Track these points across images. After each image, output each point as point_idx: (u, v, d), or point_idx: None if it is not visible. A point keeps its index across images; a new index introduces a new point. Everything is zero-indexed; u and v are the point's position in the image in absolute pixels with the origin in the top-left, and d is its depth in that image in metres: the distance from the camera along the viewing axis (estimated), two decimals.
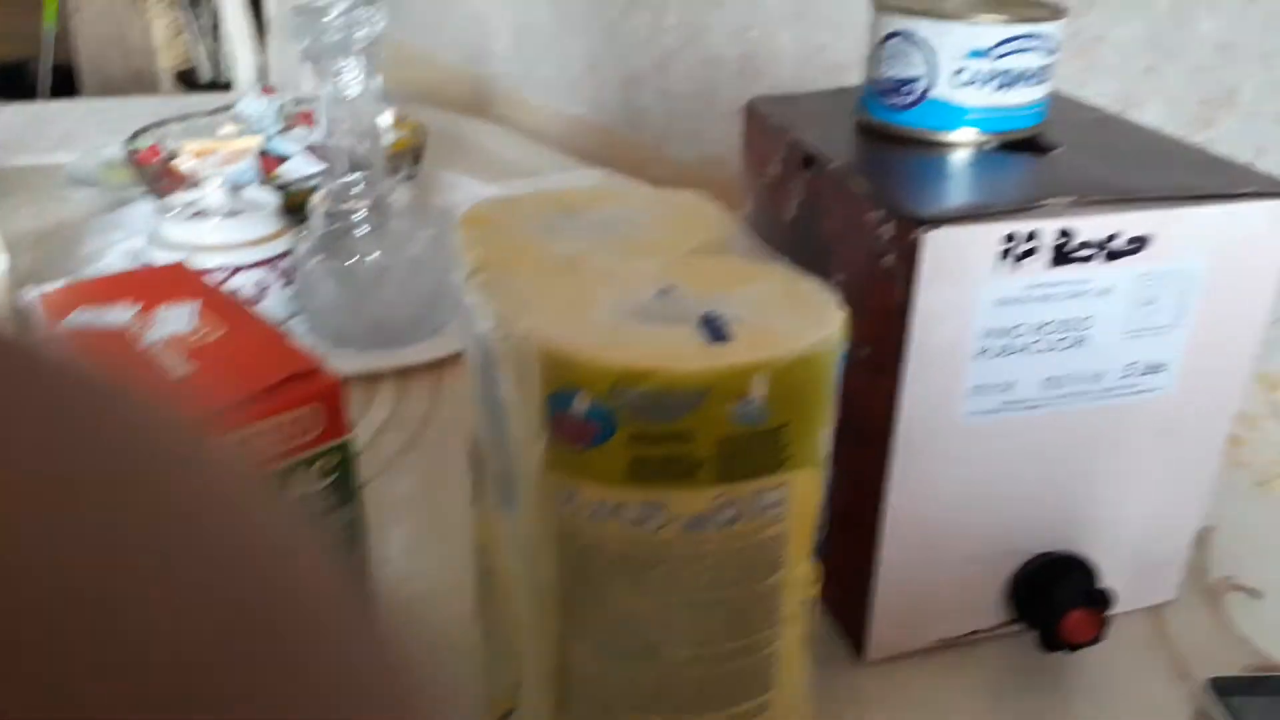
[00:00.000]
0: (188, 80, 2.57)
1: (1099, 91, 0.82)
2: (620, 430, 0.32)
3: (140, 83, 2.62)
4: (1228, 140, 0.74)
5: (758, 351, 0.32)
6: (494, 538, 0.43)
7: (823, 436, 0.35)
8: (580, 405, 0.32)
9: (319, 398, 0.34)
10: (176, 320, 0.33)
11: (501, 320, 0.35)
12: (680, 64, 1.31)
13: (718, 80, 1.25)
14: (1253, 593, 0.53)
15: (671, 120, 1.35)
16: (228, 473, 0.14)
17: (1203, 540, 0.51)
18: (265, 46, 1.89)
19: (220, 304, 0.36)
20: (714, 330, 0.34)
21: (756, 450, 0.33)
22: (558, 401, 0.33)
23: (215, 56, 2.55)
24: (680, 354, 0.32)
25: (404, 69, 1.99)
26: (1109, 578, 0.47)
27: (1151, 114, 0.79)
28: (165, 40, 2.67)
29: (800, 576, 0.36)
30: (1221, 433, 0.48)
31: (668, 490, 0.33)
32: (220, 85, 2.42)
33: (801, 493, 0.35)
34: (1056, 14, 0.48)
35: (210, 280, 0.40)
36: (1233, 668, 0.48)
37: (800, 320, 0.34)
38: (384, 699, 0.12)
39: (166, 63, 2.69)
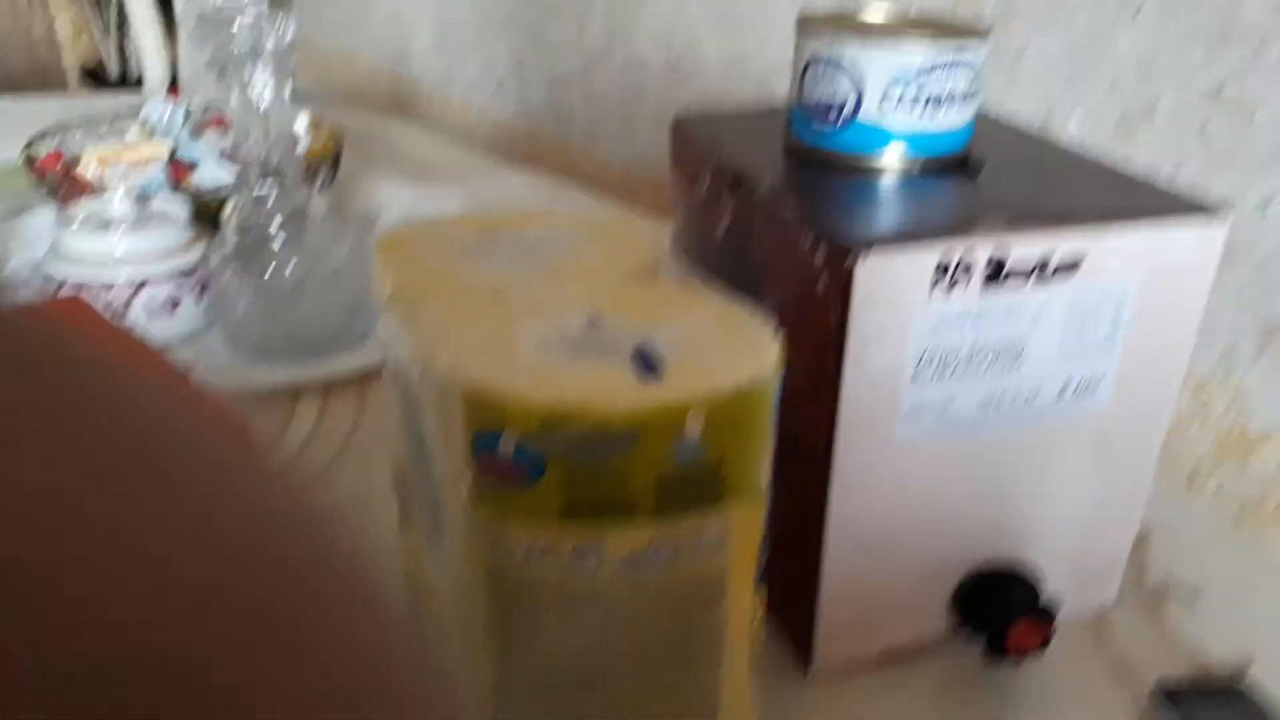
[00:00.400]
0: (96, 77, 2.47)
1: (1020, 106, 0.83)
2: (550, 471, 0.31)
3: (46, 80, 2.52)
4: (1148, 153, 0.75)
5: (692, 387, 0.31)
6: (422, 567, 0.41)
7: (762, 467, 0.34)
8: (507, 446, 0.31)
9: None
10: None
11: (421, 354, 0.34)
12: (606, 67, 1.29)
13: (644, 84, 1.24)
14: (1190, 594, 0.54)
15: (598, 122, 1.33)
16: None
17: (1139, 544, 0.52)
18: (175, 43, 1.83)
19: (123, 346, 0.33)
20: (646, 364, 0.32)
21: (694, 486, 0.32)
22: (483, 441, 0.31)
23: (123, 53, 2.46)
24: (612, 391, 0.31)
25: (321, 69, 1.94)
26: (1052, 585, 0.48)
27: (1073, 127, 0.80)
28: (70, 36, 2.58)
29: (744, 606, 0.35)
30: (1156, 442, 0.49)
31: (603, 529, 0.32)
32: (130, 82, 2.34)
33: (742, 524, 0.34)
34: (982, 34, 0.48)
35: (111, 305, 0.38)
36: (1176, 670, 0.48)
37: (735, 352, 0.33)
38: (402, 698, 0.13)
39: (72, 59, 2.59)
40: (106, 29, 2.44)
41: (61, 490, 0.10)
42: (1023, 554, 0.49)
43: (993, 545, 0.48)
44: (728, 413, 0.32)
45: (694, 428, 0.31)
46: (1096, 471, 0.48)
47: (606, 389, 0.31)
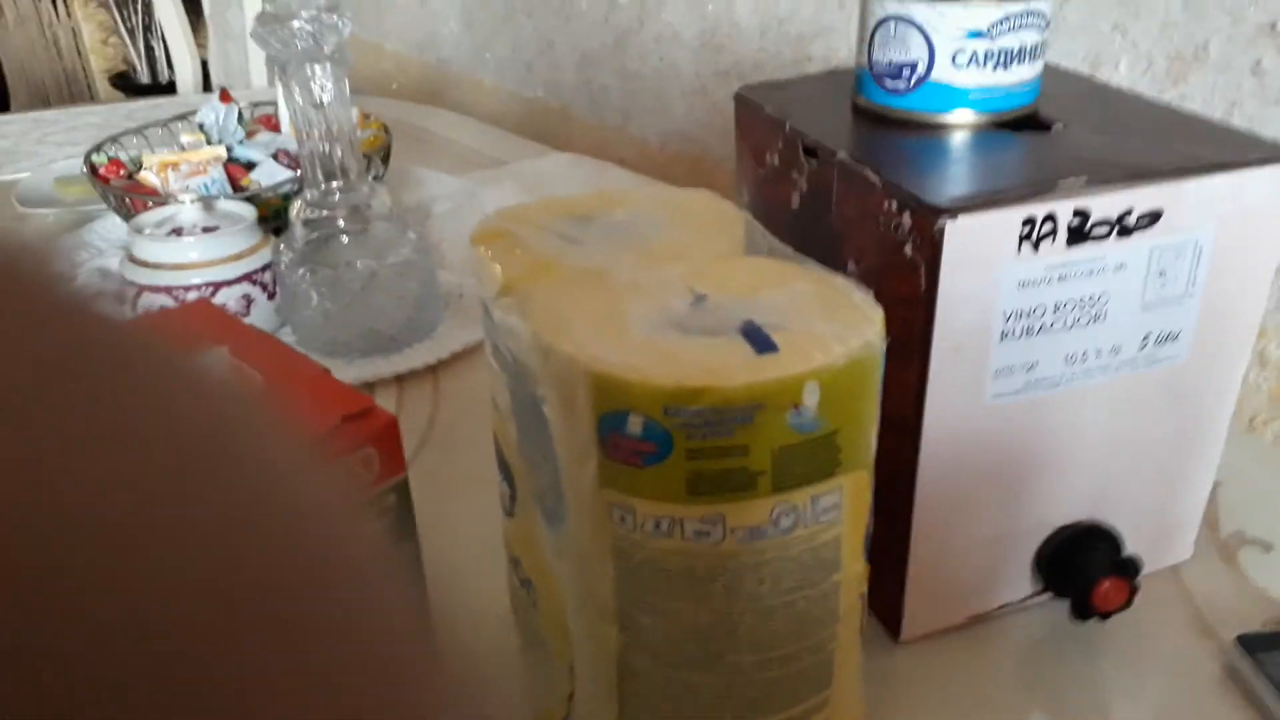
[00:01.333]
0: (124, 83, 2.50)
1: (1067, 52, 0.83)
2: (677, 447, 0.32)
3: (73, 89, 2.55)
4: (1200, 95, 0.75)
5: (807, 360, 0.32)
6: (534, 550, 0.42)
7: (871, 437, 0.35)
8: (634, 426, 0.32)
9: (375, 438, 0.34)
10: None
11: (540, 341, 0.35)
12: (637, 42, 1.30)
13: (677, 57, 1.24)
14: (1264, 544, 0.55)
15: (632, 99, 1.34)
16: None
17: (1211, 497, 0.52)
18: (205, 45, 1.85)
19: (252, 343, 0.35)
20: (759, 340, 0.33)
21: (811, 457, 0.33)
22: (610, 423, 0.33)
23: (151, 56, 2.48)
24: (730, 367, 0.32)
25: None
26: (1131, 542, 0.48)
27: (1122, 73, 0.80)
28: (96, 43, 2.60)
29: (855, 574, 0.36)
30: (1231, 394, 0.49)
31: (726, 503, 0.33)
32: (160, 88, 2.36)
33: (854, 494, 0.35)
34: None
35: (231, 313, 0.40)
36: (1253, 620, 0.49)
37: (841, 323, 0.34)
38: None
39: (99, 67, 2.61)
40: (132, 33, 2.46)
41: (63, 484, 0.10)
42: (1103, 512, 0.49)
43: (1074, 505, 0.49)
44: (842, 383, 0.33)
45: (810, 399, 0.32)
46: (1175, 424, 0.49)
47: (725, 365, 0.32)
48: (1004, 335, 0.43)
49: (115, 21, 2.50)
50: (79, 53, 2.58)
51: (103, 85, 2.57)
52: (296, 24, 0.67)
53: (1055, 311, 0.44)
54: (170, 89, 2.03)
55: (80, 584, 0.10)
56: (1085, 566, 0.47)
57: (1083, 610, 0.47)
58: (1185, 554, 0.54)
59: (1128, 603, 0.47)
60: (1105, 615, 0.47)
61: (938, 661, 0.49)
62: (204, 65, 1.89)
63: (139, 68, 2.50)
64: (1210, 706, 0.46)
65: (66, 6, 2.54)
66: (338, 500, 0.15)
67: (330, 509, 0.14)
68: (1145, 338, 0.46)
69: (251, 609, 0.11)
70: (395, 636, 0.13)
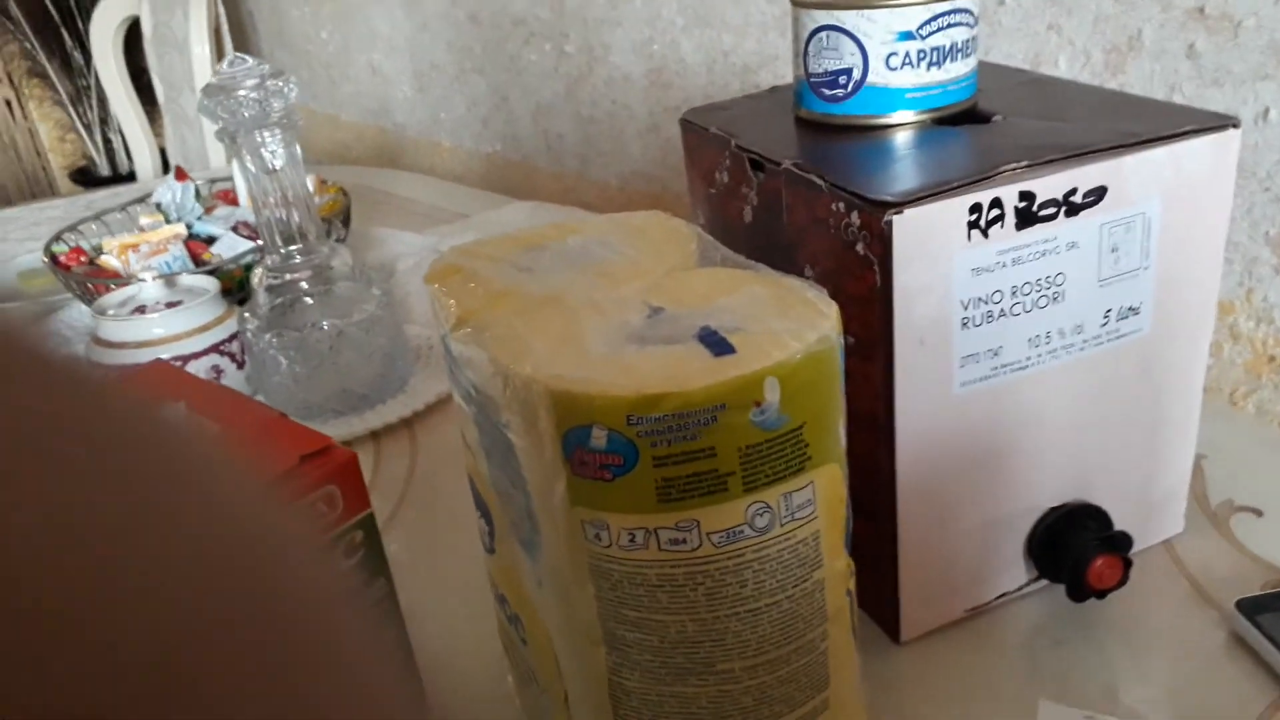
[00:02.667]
0: (84, 178, 2.51)
1: (1007, 54, 0.85)
2: (643, 456, 0.32)
3: (34, 188, 2.55)
4: (1140, 83, 0.77)
5: (765, 357, 0.32)
6: (518, 584, 0.42)
7: (839, 429, 0.35)
8: (599, 439, 0.32)
9: (336, 475, 0.34)
10: None
11: (500, 367, 0.35)
12: (588, 87, 1.31)
13: (628, 99, 1.25)
14: (1256, 511, 0.55)
15: (589, 144, 1.35)
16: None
17: (1196, 469, 0.53)
18: (162, 133, 1.86)
19: (209, 396, 0.35)
20: (716, 343, 0.33)
21: (779, 454, 0.33)
22: (574, 439, 0.33)
23: (109, 150, 2.49)
24: (689, 372, 0.32)
25: (307, 134, 1.97)
26: (1120, 521, 0.48)
27: (1061, 68, 0.81)
28: (54, 141, 2.61)
29: (838, 571, 0.36)
30: (1200, 362, 0.50)
31: (699, 507, 0.33)
32: (120, 178, 2.36)
33: (827, 488, 0.35)
34: None
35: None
36: (1251, 585, 0.49)
37: (796, 319, 0.35)
38: None
39: (59, 164, 2.62)
40: (89, 128, 2.47)
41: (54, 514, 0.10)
42: (1088, 492, 0.49)
43: (1058, 487, 0.49)
44: (801, 376, 0.33)
45: (772, 395, 0.32)
46: (1147, 397, 0.49)
47: (684, 370, 0.32)
48: (965, 323, 0.43)
49: (72, 118, 2.51)
50: (38, 153, 2.59)
51: (63, 181, 2.57)
52: (242, 93, 0.68)
53: (1013, 295, 0.44)
54: (130, 178, 2.04)
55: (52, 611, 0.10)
56: (1076, 546, 0.47)
57: (1079, 591, 0.46)
58: (1177, 528, 0.53)
59: (1123, 579, 0.46)
60: (1102, 594, 0.47)
61: (940, 659, 0.48)
62: (162, 153, 1.90)
63: (98, 161, 2.51)
64: (1219, 674, 0.46)
65: (22, 108, 2.55)
66: (299, 534, 0.15)
67: (292, 543, 0.14)
68: (1106, 314, 0.46)
69: (212, 644, 0.11)
70: (363, 674, 0.13)
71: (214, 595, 0.11)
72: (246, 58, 0.68)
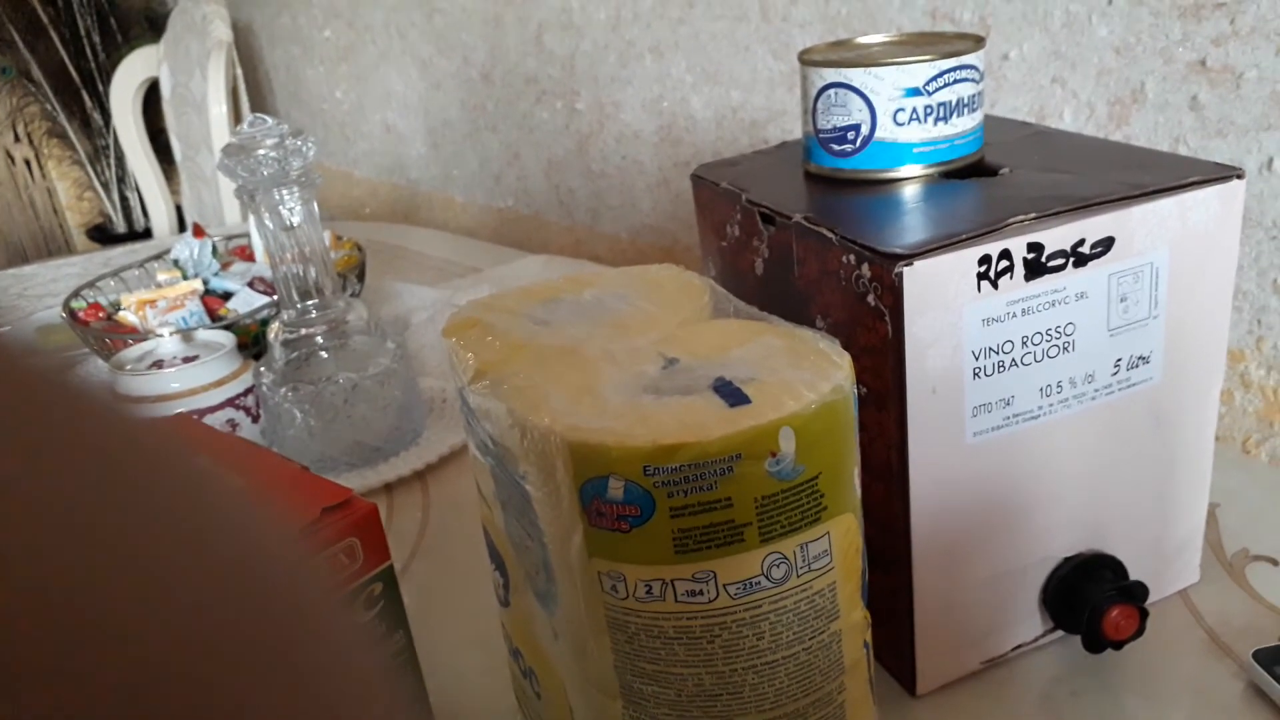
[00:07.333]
0: (101, 235, 2.54)
1: (1012, 108, 0.86)
2: (660, 507, 0.32)
3: (51, 246, 2.59)
4: (1144, 135, 0.78)
5: (780, 408, 0.33)
6: (533, 637, 0.42)
7: (854, 480, 0.35)
8: (615, 490, 0.32)
9: (356, 528, 0.34)
10: None
11: (518, 418, 0.35)
12: (599, 144, 1.33)
13: (639, 154, 1.27)
14: (1272, 560, 0.54)
15: (599, 198, 1.37)
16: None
17: (1211, 518, 0.52)
18: (179, 190, 1.88)
19: (230, 449, 0.35)
20: (732, 394, 0.34)
21: (795, 505, 0.33)
22: (591, 490, 0.33)
23: (126, 208, 2.53)
24: (705, 423, 0.33)
25: (322, 190, 1.99)
26: (1135, 571, 0.48)
27: (1066, 121, 0.82)
28: (71, 200, 2.65)
29: (855, 622, 0.36)
30: (1212, 410, 0.50)
31: (716, 558, 0.33)
32: (136, 235, 2.40)
33: (844, 539, 0.35)
34: (978, 43, 0.50)
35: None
36: (1268, 636, 0.49)
37: (810, 370, 0.35)
38: None
39: (76, 222, 2.66)
40: (107, 186, 2.51)
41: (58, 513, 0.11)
42: (1102, 542, 0.49)
43: (1072, 537, 0.49)
44: (816, 426, 0.33)
45: (787, 444, 0.33)
46: (1159, 446, 0.49)
47: (700, 421, 0.33)
48: (976, 373, 0.44)
49: (90, 176, 2.55)
50: (55, 211, 2.62)
51: (79, 239, 2.61)
52: (261, 152, 0.69)
53: (1024, 345, 0.44)
54: (146, 235, 2.07)
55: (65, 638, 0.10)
56: (1092, 596, 0.47)
57: (1095, 642, 0.46)
58: (1193, 578, 0.53)
59: (1140, 630, 0.46)
60: (1119, 645, 0.46)
61: (957, 711, 0.48)
62: (179, 210, 1.93)
63: (115, 219, 2.55)
64: None
65: (41, 167, 2.60)
66: (315, 579, 0.15)
67: (319, 590, 0.14)
68: (1117, 363, 0.46)
69: (225, 685, 0.11)
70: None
71: (245, 623, 0.12)
72: (266, 118, 0.70)
